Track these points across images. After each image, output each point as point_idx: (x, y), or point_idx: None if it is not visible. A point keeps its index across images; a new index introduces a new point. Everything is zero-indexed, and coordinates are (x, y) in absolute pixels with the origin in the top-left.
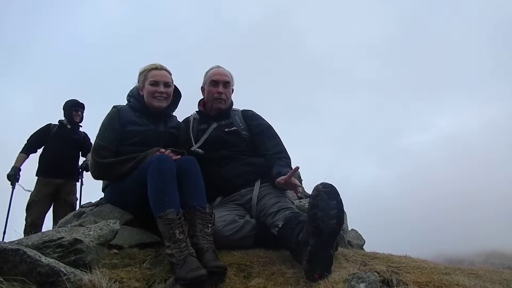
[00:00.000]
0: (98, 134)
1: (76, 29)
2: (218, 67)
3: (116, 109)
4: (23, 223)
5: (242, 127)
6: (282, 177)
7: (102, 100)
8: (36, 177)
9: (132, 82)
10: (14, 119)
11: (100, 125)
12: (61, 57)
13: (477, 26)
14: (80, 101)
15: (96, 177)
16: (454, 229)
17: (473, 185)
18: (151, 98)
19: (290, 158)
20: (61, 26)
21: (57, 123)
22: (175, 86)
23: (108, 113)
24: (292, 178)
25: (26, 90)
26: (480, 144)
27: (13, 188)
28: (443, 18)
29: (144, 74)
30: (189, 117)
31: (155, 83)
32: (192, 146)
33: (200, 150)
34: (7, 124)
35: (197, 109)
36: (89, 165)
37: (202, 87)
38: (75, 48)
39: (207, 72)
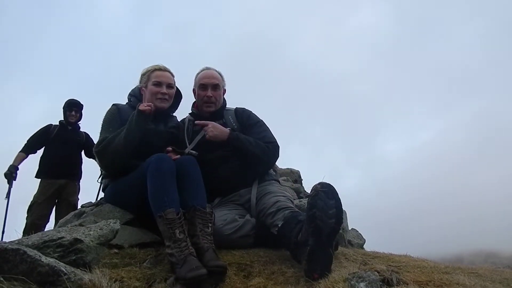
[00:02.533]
0: (101, 131)
1: (77, 29)
2: (208, 69)
3: (116, 107)
4: (23, 222)
5: (236, 126)
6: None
7: (104, 100)
8: (38, 179)
9: (132, 82)
10: (19, 122)
11: (102, 123)
12: (63, 58)
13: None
14: (77, 101)
15: (104, 166)
16: (453, 229)
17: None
18: (154, 99)
19: (278, 147)
20: (60, 26)
21: (57, 123)
22: (176, 87)
23: (109, 110)
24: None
25: (32, 93)
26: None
27: (10, 187)
28: (434, 25)
29: (147, 74)
30: (184, 118)
31: (158, 84)
32: (186, 148)
33: (194, 152)
34: (13, 127)
35: (191, 111)
36: (97, 159)
37: (193, 90)
38: (77, 48)
39: (197, 74)
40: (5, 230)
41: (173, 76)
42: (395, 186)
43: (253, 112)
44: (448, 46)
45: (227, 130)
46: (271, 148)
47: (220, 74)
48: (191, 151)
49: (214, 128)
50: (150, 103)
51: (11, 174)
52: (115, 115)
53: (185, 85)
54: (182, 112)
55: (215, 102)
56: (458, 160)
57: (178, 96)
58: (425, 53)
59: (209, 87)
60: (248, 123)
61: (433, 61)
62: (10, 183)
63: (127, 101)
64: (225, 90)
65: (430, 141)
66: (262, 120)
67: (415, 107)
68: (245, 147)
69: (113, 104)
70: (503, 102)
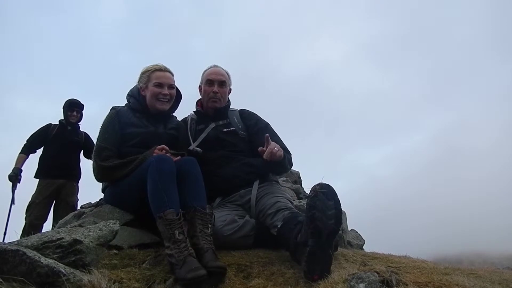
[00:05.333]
0: (98, 136)
1: (79, 28)
2: (215, 66)
3: (115, 111)
4: (23, 223)
5: (240, 127)
6: (263, 149)
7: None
8: (37, 179)
9: (131, 82)
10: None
11: (100, 127)
12: (64, 57)
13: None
14: (78, 101)
15: (99, 179)
16: (452, 229)
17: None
18: (155, 100)
19: (290, 154)
20: (61, 25)
21: (57, 123)
22: (176, 87)
23: (107, 115)
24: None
25: (31, 92)
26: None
27: (15, 189)
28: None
29: (148, 74)
30: (186, 117)
31: (159, 85)
32: (190, 145)
33: (198, 149)
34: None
35: (195, 109)
36: (92, 168)
37: (199, 86)
38: (78, 48)
39: (204, 71)
40: (7, 231)
41: (173, 75)
42: (380, 189)
43: (258, 114)
44: (429, 53)
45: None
46: (290, 160)
47: (227, 73)
48: (196, 148)
49: (278, 149)
50: (163, 147)
51: (16, 176)
52: (113, 120)
53: (183, 86)
54: (182, 112)
55: (220, 98)
56: (425, 166)
57: (177, 96)
58: (405, 63)
59: (216, 84)
60: (258, 127)
61: (410, 74)
62: (14, 185)
63: (126, 102)
64: (230, 90)
65: (410, 147)
66: (269, 124)
67: (394, 115)
68: (284, 164)
69: (112, 108)
70: (475, 111)
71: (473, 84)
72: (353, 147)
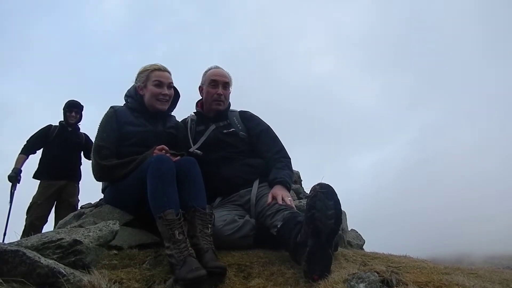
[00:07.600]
0: (96, 135)
1: (78, 27)
2: (217, 67)
3: (114, 110)
4: (23, 224)
5: (240, 128)
6: (268, 202)
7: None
8: (38, 180)
9: (129, 82)
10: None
11: (98, 126)
12: (61, 56)
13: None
14: (77, 101)
15: (98, 178)
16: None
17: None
18: (154, 100)
19: (289, 158)
20: (60, 25)
21: (57, 124)
22: (174, 86)
23: (106, 114)
24: (280, 196)
25: (25, 90)
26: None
27: (14, 189)
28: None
29: (147, 74)
30: (186, 118)
31: (159, 84)
32: (191, 147)
33: (199, 152)
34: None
35: (195, 110)
36: (91, 167)
37: (200, 87)
38: (76, 47)
39: (206, 72)
40: (6, 232)
41: (171, 75)
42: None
43: (258, 116)
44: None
45: (285, 185)
46: (289, 165)
47: (229, 75)
48: (196, 150)
49: (285, 194)
50: (163, 147)
51: (15, 177)
52: (111, 119)
53: (182, 86)
54: (181, 111)
55: (224, 100)
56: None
57: (176, 95)
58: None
59: (220, 85)
60: (258, 130)
61: (395, 81)
62: (14, 186)
63: (124, 102)
64: (230, 91)
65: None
66: (270, 127)
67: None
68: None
69: (111, 107)
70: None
71: (461, 87)
72: (348, 149)
